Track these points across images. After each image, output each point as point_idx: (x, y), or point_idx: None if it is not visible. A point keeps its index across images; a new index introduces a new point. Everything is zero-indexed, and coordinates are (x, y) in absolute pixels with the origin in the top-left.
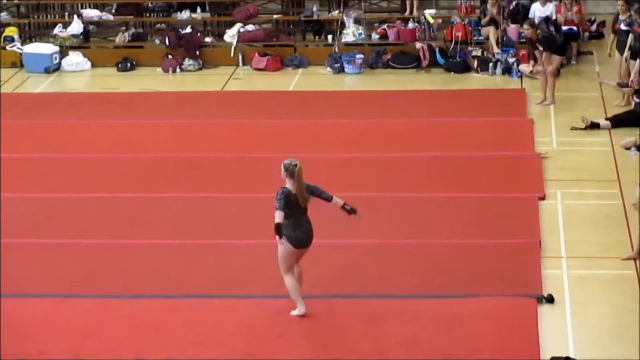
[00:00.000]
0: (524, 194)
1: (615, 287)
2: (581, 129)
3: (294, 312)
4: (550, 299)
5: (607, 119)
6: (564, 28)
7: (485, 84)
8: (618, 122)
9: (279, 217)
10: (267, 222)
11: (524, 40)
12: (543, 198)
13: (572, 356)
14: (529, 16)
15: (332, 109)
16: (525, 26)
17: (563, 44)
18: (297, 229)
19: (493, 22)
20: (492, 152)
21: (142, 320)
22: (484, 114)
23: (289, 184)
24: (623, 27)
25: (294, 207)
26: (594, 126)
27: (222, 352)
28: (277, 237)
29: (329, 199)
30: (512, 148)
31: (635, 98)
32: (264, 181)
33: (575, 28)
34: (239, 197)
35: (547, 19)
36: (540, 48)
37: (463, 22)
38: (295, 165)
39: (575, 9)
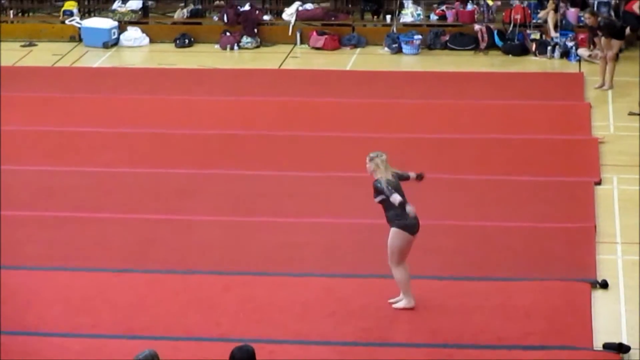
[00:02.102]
0: (580, 178)
1: None
2: (639, 114)
3: (400, 305)
4: (604, 284)
5: None
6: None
7: (543, 67)
8: None
9: (398, 198)
10: (320, 200)
11: (582, 24)
12: (599, 183)
13: (625, 342)
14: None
15: (389, 89)
16: (586, 15)
17: (622, 28)
18: (406, 215)
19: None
20: (549, 136)
21: (194, 296)
22: (541, 97)
23: (381, 175)
24: None
25: (398, 193)
26: None
27: (274, 330)
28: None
29: (409, 177)
30: (569, 132)
31: None
32: (319, 160)
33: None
34: (294, 175)
35: (607, 3)
36: (600, 34)
37: (522, 5)
38: (383, 154)
39: None
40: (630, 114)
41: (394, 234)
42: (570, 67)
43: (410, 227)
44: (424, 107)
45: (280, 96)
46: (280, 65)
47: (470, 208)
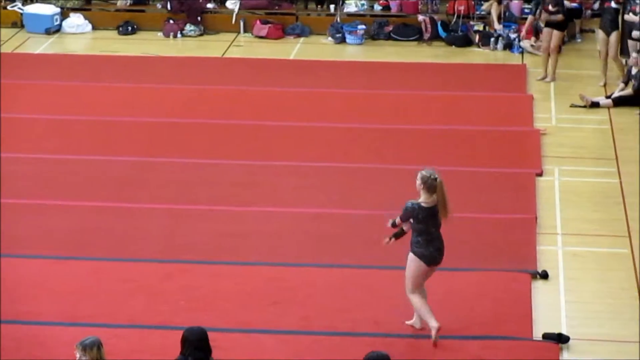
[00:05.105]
0: (521, 170)
1: (609, 264)
2: (581, 106)
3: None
4: (544, 275)
5: (607, 97)
6: (567, 4)
7: (486, 59)
8: (619, 101)
9: (390, 222)
10: (263, 189)
11: (526, 16)
12: (541, 174)
13: (564, 332)
14: None
15: (332, 79)
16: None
17: (564, 20)
18: (430, 245)
19: None
20: (491, 127)
21: (137, 284)
22: (484, 89)
23: (423, 198)
24: (614, 4)
25: (428, 222)
26: (594, 105)
27: (216, 318)
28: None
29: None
30: (511, 123)
31: (633, 79)
32: (262, 149)
33: (578, 4)
34: (237, 163)
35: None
36: (552, 9)
37: None
38: (435, 179)
39: None
40: (573, 106)
41: (410, 260)
42: (514, 58)
43: (428, 257)
44: (367, 97)
45: (223, 85)
46: (224, 54)
47: (412, 198)
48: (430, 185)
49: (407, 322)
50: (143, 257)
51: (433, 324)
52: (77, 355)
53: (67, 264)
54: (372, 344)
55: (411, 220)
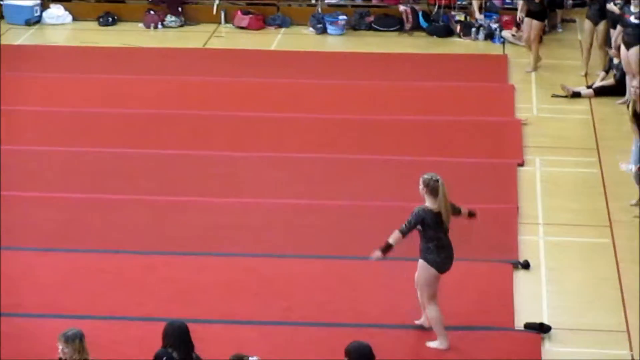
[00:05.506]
0: (503, 160)
1: (591, 254)
2: (562, 96)
3: (433, 344)
4: (526, 265)
5: (588, 86)
6: None
7: (467, 49)
8: (600, 90)
9: (394, 238)
10: (243, 181)
11: (507, 6)
12: (522, 164)
13: (546, 322)
14: None
15: (313, 70)
16: None
17: (544, 9)
18: (441, 251)
19: None
20: (473, 117)
21: (118, 275)
22: (466, 79)
23: (429, 202)
24: None
25: (437, 227)
26: (575, 95)
27: (197, 310)
28: (379, 252)
29: (459, 212)
30: (493, 114)
31: (615, 69)
32: (243, 140)
33: None
34: (218, 155)
35: None
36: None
37: None
38: (437, 180)
39: None
40: (554, 96)
41: (420, 267)
42: (495, 49)
43: (439, 264)
44: (349, 88)
45: (204, 75)
46: (205, 45)
47: (394, 189)
48: (433, 188)
49: (415, 322)
50: (125, 249)
51: (444, 344)
52: (60, 347)
53: (49, 256)
54: (353, 335)
55: (419, 227)
